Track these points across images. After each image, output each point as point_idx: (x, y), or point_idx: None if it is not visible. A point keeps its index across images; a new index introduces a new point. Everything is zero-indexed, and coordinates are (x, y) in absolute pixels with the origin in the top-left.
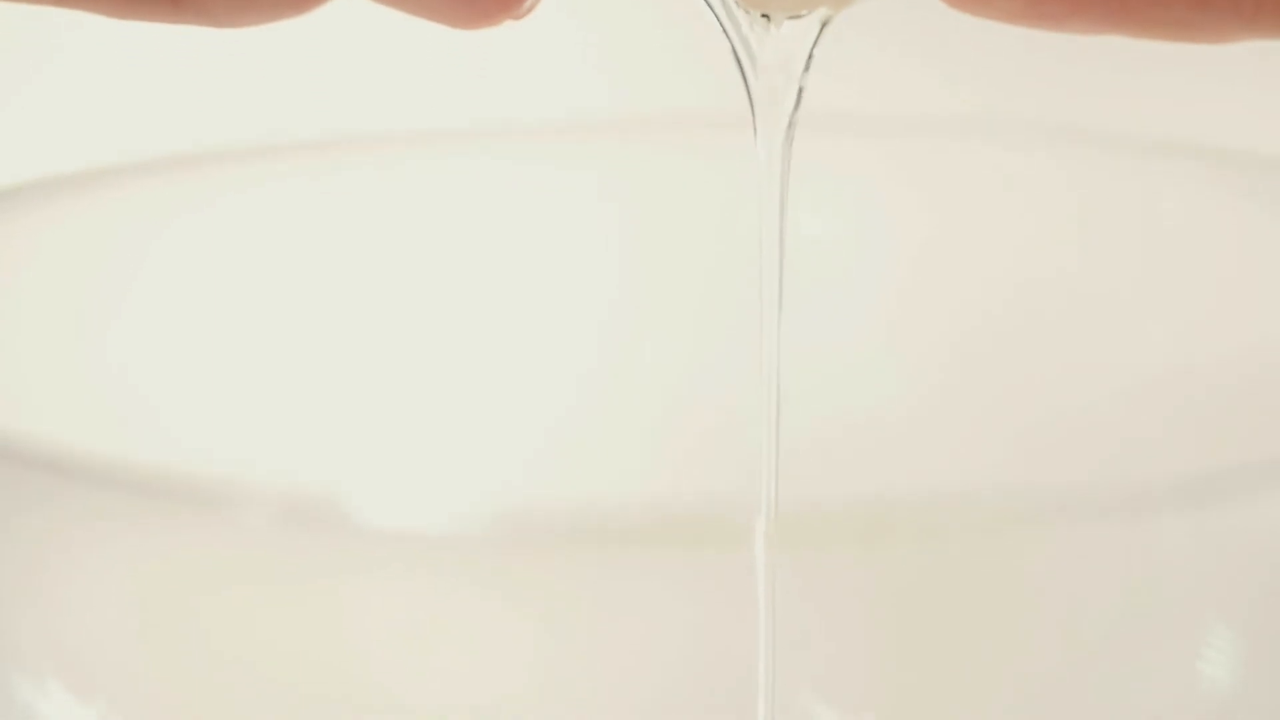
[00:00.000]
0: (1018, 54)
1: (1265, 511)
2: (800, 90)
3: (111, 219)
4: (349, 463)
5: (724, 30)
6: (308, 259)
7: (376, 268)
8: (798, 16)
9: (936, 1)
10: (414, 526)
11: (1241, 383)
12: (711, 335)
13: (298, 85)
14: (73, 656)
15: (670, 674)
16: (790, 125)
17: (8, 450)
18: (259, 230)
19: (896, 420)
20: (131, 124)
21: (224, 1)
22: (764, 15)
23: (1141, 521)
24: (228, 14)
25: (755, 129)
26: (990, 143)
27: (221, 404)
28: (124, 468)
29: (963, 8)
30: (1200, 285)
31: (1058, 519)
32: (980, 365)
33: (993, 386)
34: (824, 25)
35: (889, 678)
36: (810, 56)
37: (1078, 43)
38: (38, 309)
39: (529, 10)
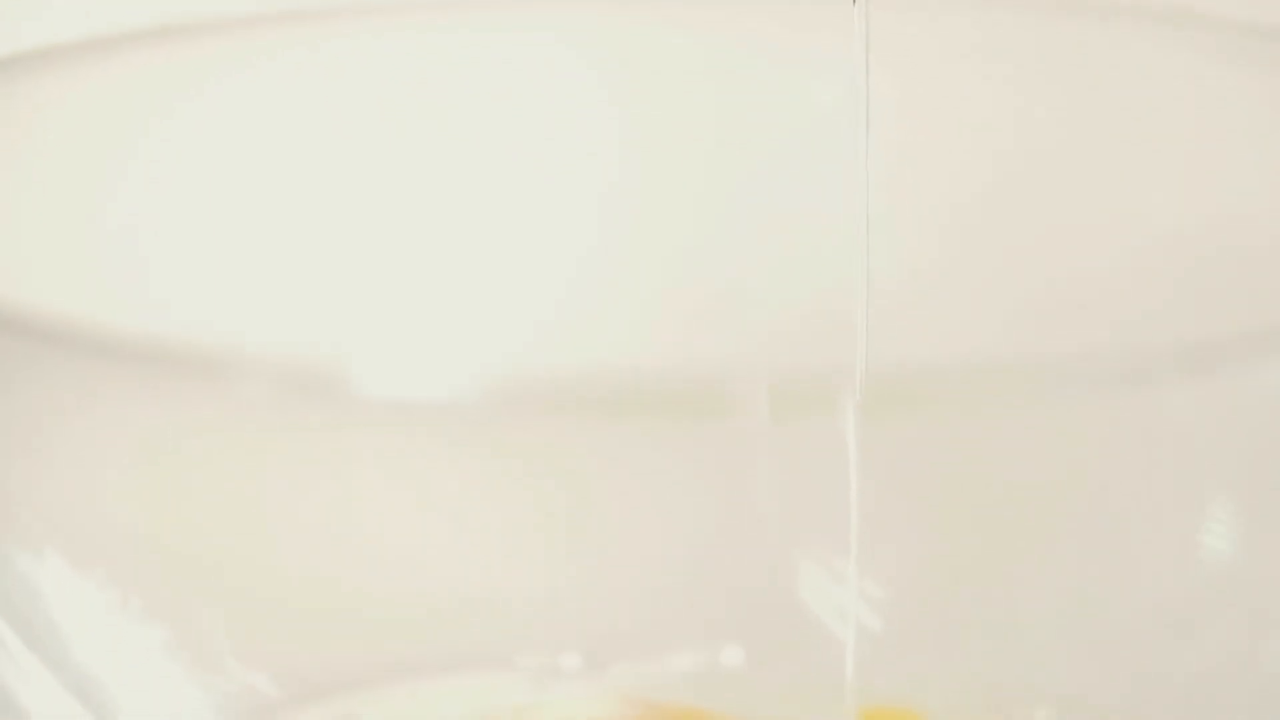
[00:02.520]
0: None
1: (1267, 380)
2: None
3: (116, 89)
4: (348, 332)
5: None
6: (308, 130)
7: (376, 139)
8: None
9: None
10: (414, 395)
11: (1242, 250)
12: (713, 207)
13: None
14: (70, 526)
15: (671, 543)
16: None
17: (5, 319)
18: (258, 103)
19: (894, 293)
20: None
21: None
22: None
23: (1142, 390)
24: None
25: None
26: (980, 10)
27: (221, 273)
28: (123, 337)
29: None
30: (1200, 153)
31: (1057, 389)
32: (976, 237)
33: (989, 259)
34: None
35: (894, 542)
36: None
37: None
38: (39, 178)
39: None
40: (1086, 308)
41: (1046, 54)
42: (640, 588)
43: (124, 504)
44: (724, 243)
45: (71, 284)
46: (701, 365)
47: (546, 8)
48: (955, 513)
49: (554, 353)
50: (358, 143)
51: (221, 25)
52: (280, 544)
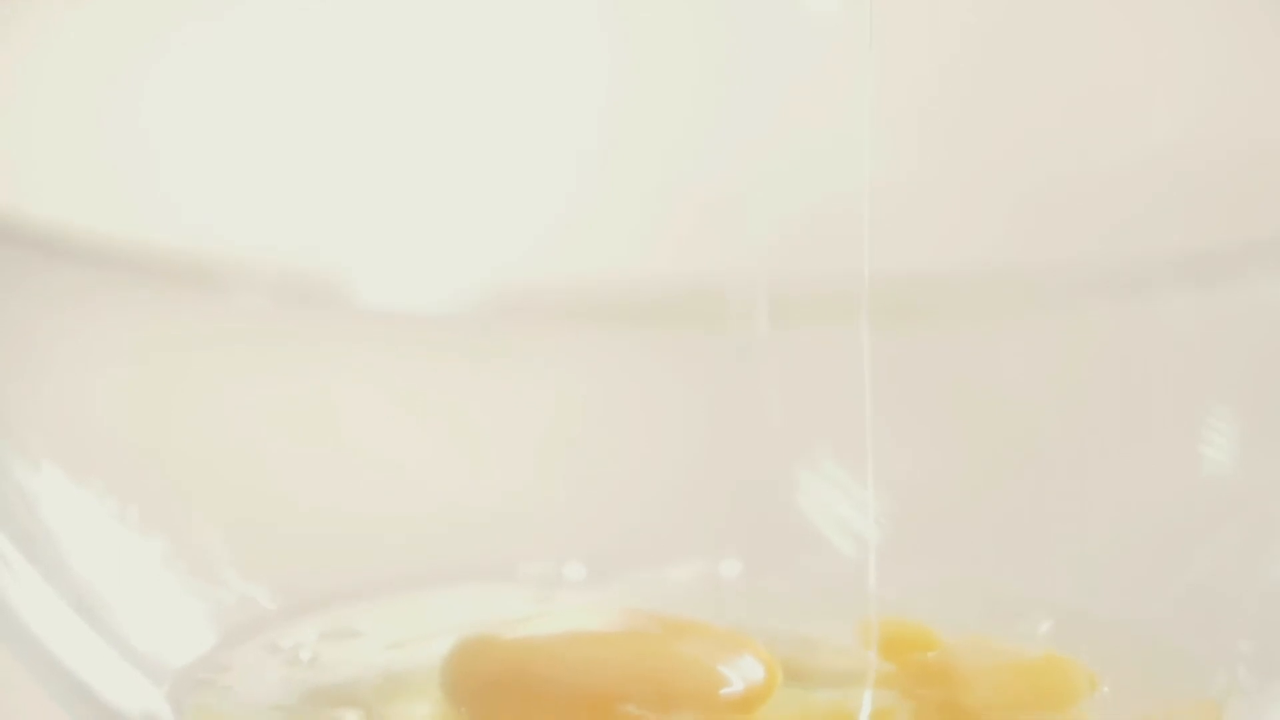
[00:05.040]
0: None
1: (1266, 290)
2: None
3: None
4: (346, 242)
5: None
6: (310, 43)
7: (377, 51)
8: None
9: None
10: (413, 305)
11: (1241, 159)
12: (711, 114)
13: None
14: (68, 437)
15: (671, 454)
16: None
17: (2, 228)
18: (261, 14)
19: (892, 201)
20: None
21: None
22: None
23: (1142, 299)
24: None
25: None
26: None
27: (219, 183)
28: (120, 246)
29: None
30: (1202, 59)
31: (1057, 297)
32: (974, 145)
33: (987, 166)
34: None
35: (895, 453)
36: None
37: None
38: (43, 86)
39: None
40: (1085, 215)
41: None
42: (641, 499)
43: (122, 414)
44: (722, 151)
45: (69, 195)
46: (700, 274)
47: None
48: (956, 423)
49: (553, 261)
50: (356, 53)
51: None
52: (278, 454)
